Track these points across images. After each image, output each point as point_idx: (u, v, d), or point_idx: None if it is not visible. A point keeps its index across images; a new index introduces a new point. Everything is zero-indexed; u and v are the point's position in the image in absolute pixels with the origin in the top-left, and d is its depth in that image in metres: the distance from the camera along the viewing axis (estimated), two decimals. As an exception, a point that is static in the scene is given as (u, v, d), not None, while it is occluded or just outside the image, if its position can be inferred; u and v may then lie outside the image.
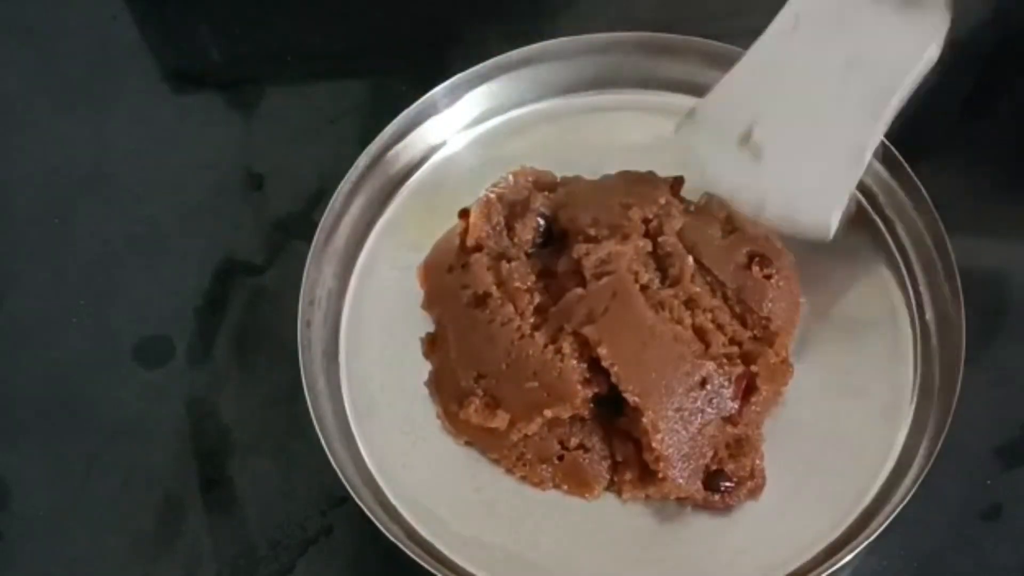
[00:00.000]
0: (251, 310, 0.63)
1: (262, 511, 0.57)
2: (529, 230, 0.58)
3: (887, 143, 0.60)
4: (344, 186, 0.60)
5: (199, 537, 0.57)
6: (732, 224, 0.58)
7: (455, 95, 0.64)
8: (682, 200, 0.60)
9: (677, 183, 0.60)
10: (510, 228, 0.58)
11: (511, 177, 0.61)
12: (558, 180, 0.61)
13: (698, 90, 0.64)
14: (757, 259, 0.56)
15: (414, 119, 0.63)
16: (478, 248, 0.58)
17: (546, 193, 0.60)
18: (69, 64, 0.74)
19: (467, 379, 0.55)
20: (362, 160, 0.61)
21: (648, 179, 0.60)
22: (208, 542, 0.56)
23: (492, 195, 0.59)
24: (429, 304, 0.59)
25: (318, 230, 0.59)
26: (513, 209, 0.59)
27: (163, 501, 0.58)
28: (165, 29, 0.76)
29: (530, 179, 0.61)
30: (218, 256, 0.65)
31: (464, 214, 0.60)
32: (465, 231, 0.59)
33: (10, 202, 0.68)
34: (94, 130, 0.70)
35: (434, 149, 0.64)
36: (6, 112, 0.72)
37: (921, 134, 0.65)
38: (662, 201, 0.58)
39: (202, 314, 0.63)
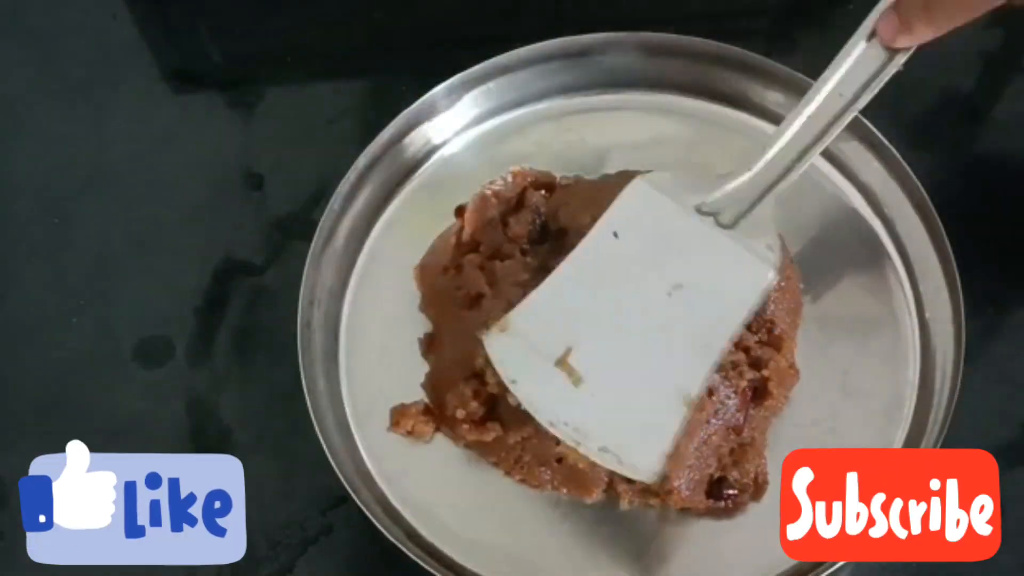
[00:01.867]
0: (251, 310, 0.63)
1: (262, 511, 0.57)
2: (523, 224, 0.58)
3: (887, 143, 0.60)
4: (344, 186, 0.60)
5: (199, 537, 0.57)
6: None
7: (455, 95, 0.64)
8: (681, 200, 0.60)
9: (676, 183, 0.60)
10: (505, 223, 0.59)
11: (509, 176, 0.61)
12: (557, 180, 0.61)
13: (698, 90, 0.65)
14: None
15: (414, 119, 0.63)
16: (475, 246, 0.58)
17: (542, 192, 0.60)
18: (69, 64, 0.74)
19: (459, 380, 0.55)
20: (362, 160, 0.61)
21: (648, 179, 0.60)
22: (208, 542, 0.57)
23: (488, 191, 0.59)
24: (425, 305, 0.59)
25: (318, 230, 0.59)
26: (508, 204, 0.59)
27: (163, 501, 0.58)
28: (165, 29, 0.76)
29: (529, 179, 0.61)
30: (218, 256, 0.65)
31: (460, 211, 0.60)
32: (461, 228, 0.59)
33: (10, 202, 0.68)
34: (94, 130, 0.70)
35: (434, 149, 0.64)
36: (6, 112, 0.72)
37: (921, 134, 0.65)
38: (662, 202, 0.58)
39: (202, 314, 0.63)
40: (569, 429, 0.50)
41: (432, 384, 0.57)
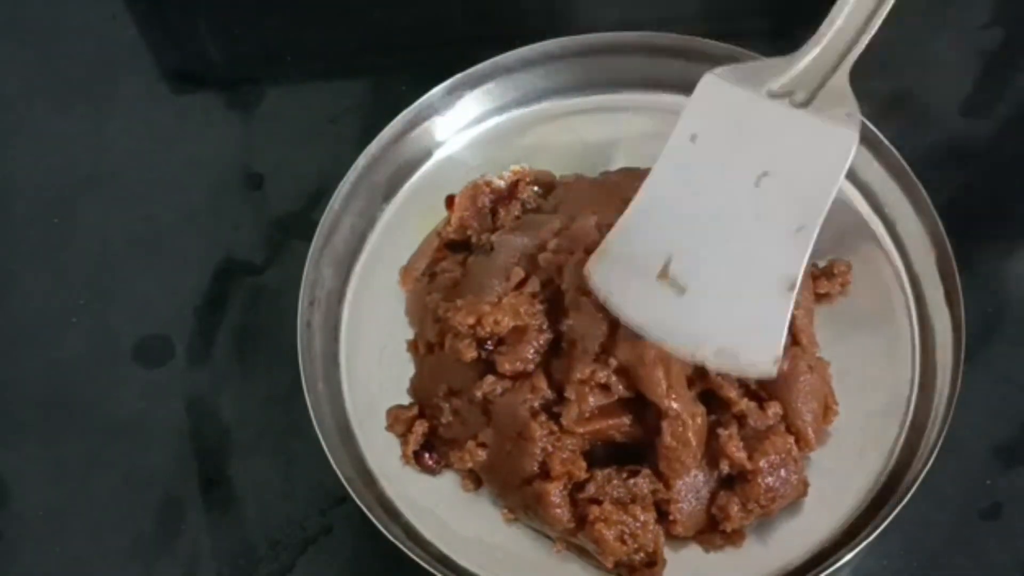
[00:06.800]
0: (251, 310, 0.63)
1: (262, 511, 0.57)
2: (512, 216, 0.58)
3: (887, 143, 0.60)
4: (344, 186, 0.60)
5: (199, 537, 0.57)
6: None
7: (455, 95, 0.64)
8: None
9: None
10: (494, 213, 0.58)
11: (508, 175, 0.61)
12: (557, 179, 0.61)
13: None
14: None
15: (414, 119, 0.63)
16: (459, 238, 0.58)
17: (535, 188, 0.60)
18: (69, 64, 0.74)
19: (437, 394, 0.55)
20: (362, 160, 0.61)
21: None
22: (208, 542, 0.57)
23: (480, 181, 0.60)
24: (408, 309, 0.59)
25: (318, 230, 0.59)
26: (500, 195, 0.59)
27: (163, 501, 0.58)
28: (165, 29, 0.76)
29: (528, 179, 0.61)
30: (218, 256, 0.65)
31: (450, 200, 0.60)
32: (447, 225, 0.59)
33: (10, 202, 0.68)
34: (94, 130, 0.71)
35: (434, 149, 0.64)
36: (6, 112, 0.72)
37: (921, 134, 0.65)
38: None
39: (202, 314, 0.63)
40: (681, 342, 0.50)
41: (413, 391, 0.57)
